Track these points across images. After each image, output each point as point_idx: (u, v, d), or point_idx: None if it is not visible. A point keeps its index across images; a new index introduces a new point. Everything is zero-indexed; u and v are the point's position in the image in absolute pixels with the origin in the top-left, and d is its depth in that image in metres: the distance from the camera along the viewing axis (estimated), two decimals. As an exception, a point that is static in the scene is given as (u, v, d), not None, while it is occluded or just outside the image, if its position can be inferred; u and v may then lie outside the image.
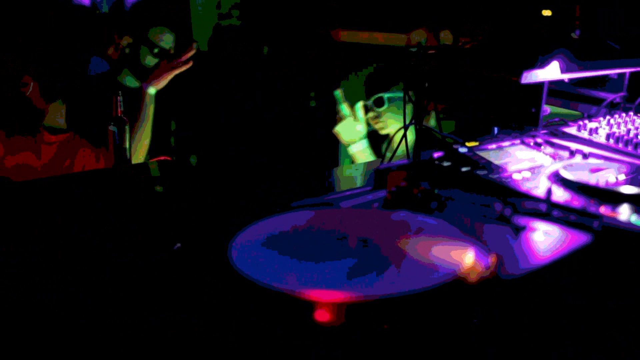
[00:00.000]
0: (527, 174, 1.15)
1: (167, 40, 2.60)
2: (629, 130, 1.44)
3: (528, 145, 1.34)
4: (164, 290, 0.77)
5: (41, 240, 0.93)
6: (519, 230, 0.92)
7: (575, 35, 1.92)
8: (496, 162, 1.21)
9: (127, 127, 1.79)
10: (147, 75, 2.47)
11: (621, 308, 0.76)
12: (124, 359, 0.64)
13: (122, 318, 0.70)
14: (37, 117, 2.20)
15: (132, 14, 2.76)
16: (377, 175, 1.15)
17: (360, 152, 2.49)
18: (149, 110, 2.38)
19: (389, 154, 2.23)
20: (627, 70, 1.66)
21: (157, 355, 0.64)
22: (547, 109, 1.59)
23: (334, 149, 3.34)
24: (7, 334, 0.68)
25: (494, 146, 1.31)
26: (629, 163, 1.25)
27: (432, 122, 2.10)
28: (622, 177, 1.14)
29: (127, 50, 2.59)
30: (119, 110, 1.77)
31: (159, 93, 2.55)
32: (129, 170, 1.71)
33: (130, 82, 2.61)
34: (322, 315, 0.69)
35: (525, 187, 1.08)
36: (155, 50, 2.57)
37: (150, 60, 2.57)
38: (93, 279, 0.80)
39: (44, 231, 0.97)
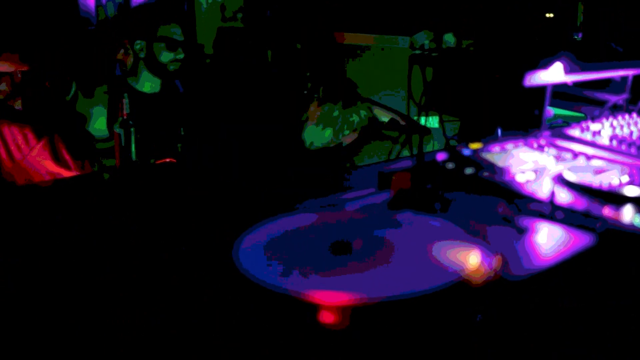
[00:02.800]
0: (531, 176, 1.15)
1: (178, 33, 2.56)
2: (631, 132, 1.44)
3: (531, 147, 1.34)
4: (164, 290, 0.76)
5: (41, 240, 0.93)
6: (522, 231, 0.92)
7: (577, 37, 1.92)
8: (500, 164, 1.20)
9: (132, 130, 1.79)
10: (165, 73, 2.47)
11: (623, 309, 0.76)
12: (124, 359, 0.64)
13: (122, 318, 0.70)
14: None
15: (137, 18, 2.72)
16: (382, 177, 1.15)
17: None
18: None
19: None
20: (630, 73, 1.66)
21: (157, 355, 0.64)
22: (551, 110, 1.59)
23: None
24: (7, 334, 0.68)
25: (497, 148, 1.30)
26: (631, 165, 1.25)
27: (435, 124, 2.09)
28: (625, 178, 1.14)
29: (141, 55, 2.55)
30: (124, 112, 1.77)
31: (163, 95, 2.55)
32: (134, 171, 1.71)
33: (146, 84, 2.56)
34: (326, 317, 0.69)
35: (529, 188, 1.08)
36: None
37: (166, 57, 2.52)
38: (93, 279, 0.80)
39: (44, 231, 0.97)
